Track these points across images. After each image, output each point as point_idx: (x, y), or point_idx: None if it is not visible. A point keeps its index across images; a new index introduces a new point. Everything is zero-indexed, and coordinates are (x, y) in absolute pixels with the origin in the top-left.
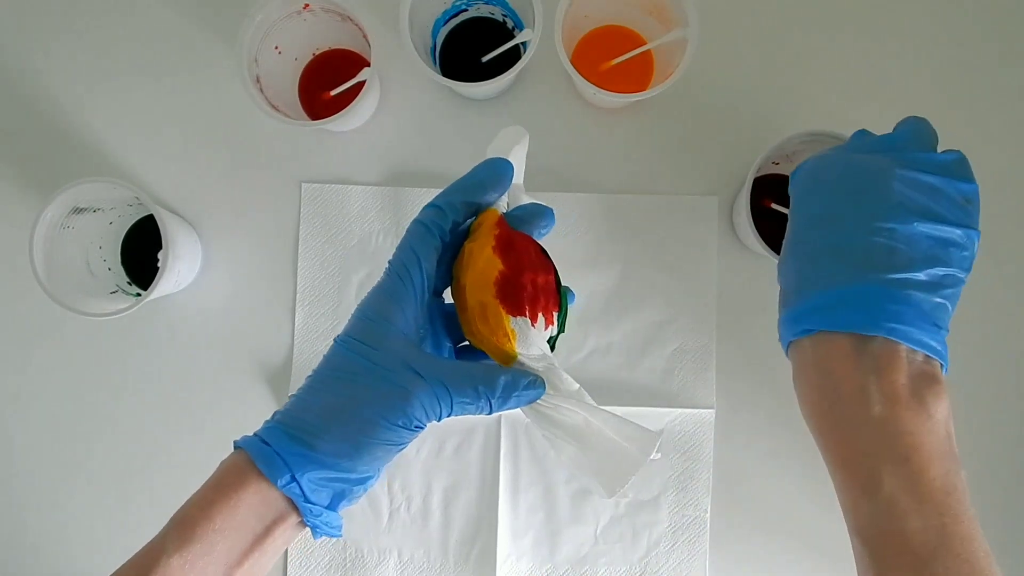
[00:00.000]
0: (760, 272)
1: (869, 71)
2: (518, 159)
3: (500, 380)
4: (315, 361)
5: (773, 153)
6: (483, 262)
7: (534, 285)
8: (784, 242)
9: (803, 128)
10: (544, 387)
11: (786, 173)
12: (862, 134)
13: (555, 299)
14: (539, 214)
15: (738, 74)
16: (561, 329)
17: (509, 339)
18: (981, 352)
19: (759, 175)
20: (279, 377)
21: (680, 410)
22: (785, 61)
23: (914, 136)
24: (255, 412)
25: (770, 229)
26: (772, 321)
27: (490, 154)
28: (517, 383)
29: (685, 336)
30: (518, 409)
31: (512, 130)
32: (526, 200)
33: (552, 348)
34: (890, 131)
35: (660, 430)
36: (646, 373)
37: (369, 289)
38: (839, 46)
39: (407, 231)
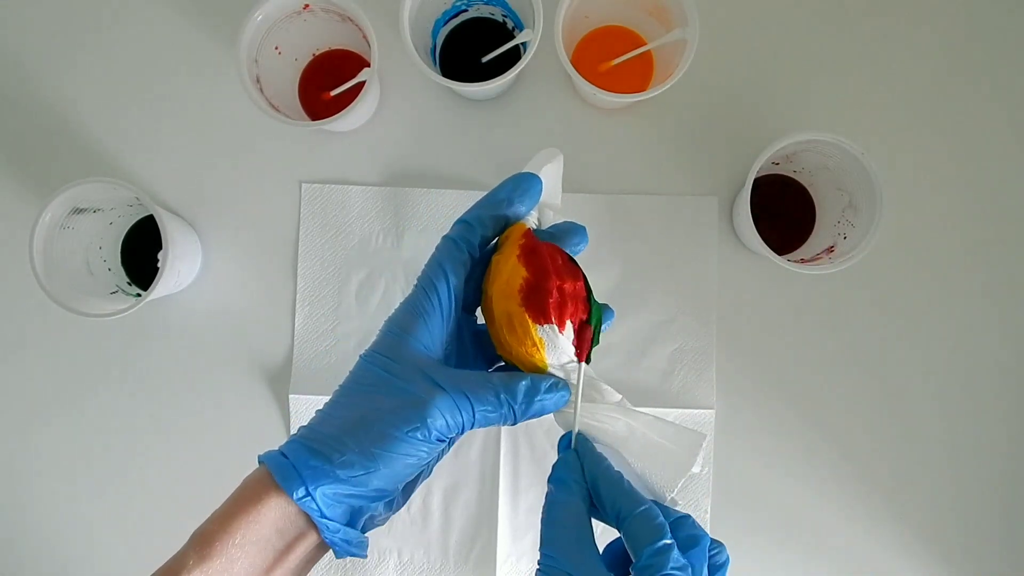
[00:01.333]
0: (760, 272)
1: (869, 72)
2: (550, 177)
3: (521, 385)
4: (315, 361)
5: (773, 154)
6: (508, 271)
7: (560, 291)
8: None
9: (803, 128)
10: (568, 390)
11: (786, 173)
12: None
13: (585, 306)
14: (571, 231)
15: (738, 74)
16: (595, 340)
17: (537, 348)
18: (982, 352)
19: (759, 175)
20: (279, 377)
21: (680, 410)
22: (785, 62)
23: None
24: (255, 412)
25: (770, 229)
26: (772, 321)
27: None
28: (538, 387)
29: (685, 336)
30: (551, 420)
31: (547, 151)
32: (559, 220)
33: (588, 359)
34: None
35: (704, 433)
36: (646, 373)
37: (370, 291)
38: (839, 46)
39: (436, 247)
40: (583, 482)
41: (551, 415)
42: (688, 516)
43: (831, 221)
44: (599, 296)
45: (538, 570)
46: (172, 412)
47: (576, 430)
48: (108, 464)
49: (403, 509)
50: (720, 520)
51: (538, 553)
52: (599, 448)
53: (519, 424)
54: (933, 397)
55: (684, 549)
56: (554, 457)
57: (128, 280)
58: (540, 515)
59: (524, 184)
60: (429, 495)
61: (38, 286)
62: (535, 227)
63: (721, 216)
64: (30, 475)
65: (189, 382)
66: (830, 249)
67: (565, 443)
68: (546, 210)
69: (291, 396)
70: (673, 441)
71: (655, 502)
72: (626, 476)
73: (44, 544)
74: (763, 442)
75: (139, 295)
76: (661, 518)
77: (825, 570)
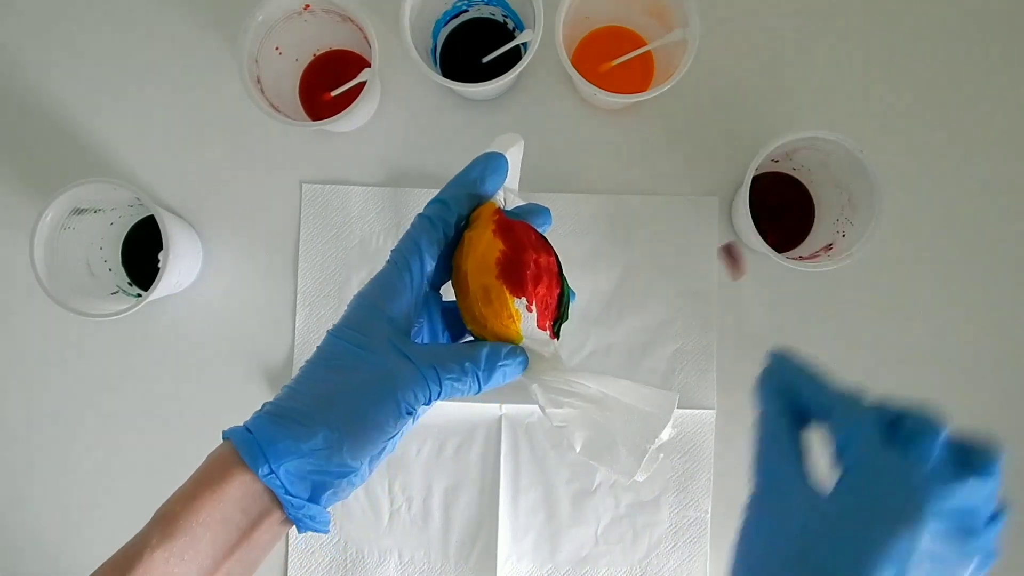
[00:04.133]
0: (761, 271)
1: (868, 70)
2: (512, 161)
3: (483, 352)
4: None
5: (772, 151)
6: (484, 245)
7: (536, 264)
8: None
9: (802, 128)
10: (526, 356)
11: (786, 171)
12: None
13: (557, 281)
14: (536, 212)
15: (738, 74)
16: (564, 316)
17: (513, 319)
18: (982, 350)
19: (759, 173)
20: (280, 377)
21: (680, 411)
22: (784, 62)
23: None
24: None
25: (770, 227)
26: (773, 321)
27: None
28: (498, 352)
29: (686, 337)
30: (525, 405)
31: (507, 136)
32: (521, 203)
33: (557, 335)
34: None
35: (676, 392)
36: (647, 374)
37: None
38: (838, 46)
39: (411, 224)
40: (785, 393)
41: (533, 397)
42: (922, 406)
43: (830, 219)
44: (603, 295)
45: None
46: (173, 412)
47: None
48: (108, 464)
49: (403, 509)
50: (721, 520)
51: (534, 554)
52: (571, 407)
53: (520, 424)
54: (932, 395)
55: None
56: (555, 457)
57: (129, 280)
58: (541, 515)
59: (493, 163)
60: (429, 496)
61: (39, 286)
62: (502, 207)
63: (721, 216)
64: (31, 475)
65: (190, 382)
66: (829, 247)
67: (771, 355)
68: (507, 193)
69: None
70: (647, 403)
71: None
72: (601, 437)
73: (44, 543)
74: None
75: (140, 295)
76: (867, 403)
77: None
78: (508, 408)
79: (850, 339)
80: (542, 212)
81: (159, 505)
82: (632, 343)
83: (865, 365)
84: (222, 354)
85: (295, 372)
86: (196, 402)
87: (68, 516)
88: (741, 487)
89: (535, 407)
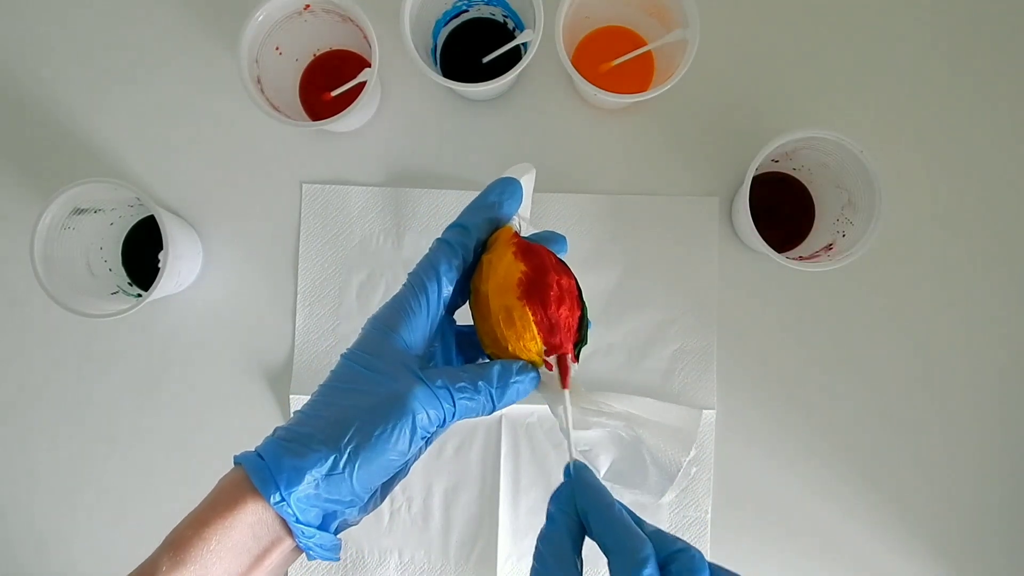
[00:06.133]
0: (761, 271)
1: (868, 70)
2: (525, 190)
3: (494, 370)
4: (316, 361)
5: (773, 151)
6: (505, 267)
7: (559, 286)
8: None
9: (802, 128)
10: (537, 372)
11: (786, 171)
12: None
13: (578, 304)
14: (553, 239)
15: (738, 74)
16: (584, 339)
17: (536, 341)
18: (982, 349)
19: (759, 173)
20: (279, 377)
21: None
22: (784, 62)
23: None
24: (256, 413)
25: (770, 227)
26: (773, 321)
27: None
28: (510, 369)
29: (686, 336)
30: (525, 405)
31: (521, 165)
32: (535, 230)
33: (577, 358)
34: None
35: (699, 409)
36: (647, 373)
37: (371, 291)
38: (838, 46)
39: (430, 248)
40: (574, 514)
41: (551, 416)
42: (690, 550)
43: (830, 219)
44: (603, 295)
45: None
46: (173, 412)
47: (571, 457)
48: (108, 464)
49: (404, 509)
50: (720, 520)
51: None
52: (599, 427)
53: (520, 424)
54: (933, 394)
55: None
56: (555, 457)
57: (129, 280)
58: (541, 515)
59: (510, 188)
60: (430, 496)
61: (39, 286)
62: (518, 232)
63: (721, 216)
64: (30, 475)
65: (189, 382)
66: (829, 247)
67: (567, 469)
68: (521, 221)
69: (291, 396)
70: (672, 419)
71: (658, 531)
72: (628, 457)
73: (44, 544)
74: (764, 442)
75: (140, 295)
76: (645, 553)
77: (825, 570)
78: (508, 408)
79: (850, 339)
80: (559, 239)
81: (160, 505)
82: (632, 343)
83: (865, 365)
84: (222, 354)
85: (294, 371)
86: (196, 402)
87: (69, 516)
88: (742, 487)
89: (535, 407)
